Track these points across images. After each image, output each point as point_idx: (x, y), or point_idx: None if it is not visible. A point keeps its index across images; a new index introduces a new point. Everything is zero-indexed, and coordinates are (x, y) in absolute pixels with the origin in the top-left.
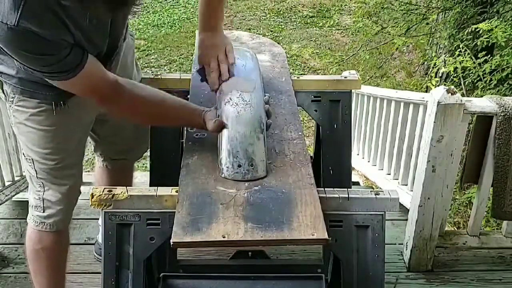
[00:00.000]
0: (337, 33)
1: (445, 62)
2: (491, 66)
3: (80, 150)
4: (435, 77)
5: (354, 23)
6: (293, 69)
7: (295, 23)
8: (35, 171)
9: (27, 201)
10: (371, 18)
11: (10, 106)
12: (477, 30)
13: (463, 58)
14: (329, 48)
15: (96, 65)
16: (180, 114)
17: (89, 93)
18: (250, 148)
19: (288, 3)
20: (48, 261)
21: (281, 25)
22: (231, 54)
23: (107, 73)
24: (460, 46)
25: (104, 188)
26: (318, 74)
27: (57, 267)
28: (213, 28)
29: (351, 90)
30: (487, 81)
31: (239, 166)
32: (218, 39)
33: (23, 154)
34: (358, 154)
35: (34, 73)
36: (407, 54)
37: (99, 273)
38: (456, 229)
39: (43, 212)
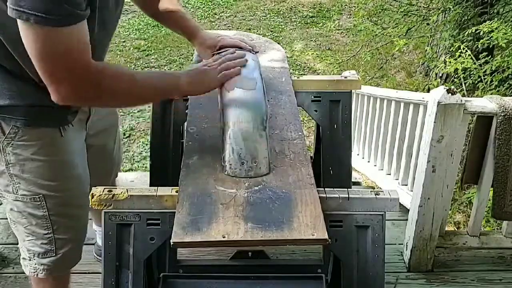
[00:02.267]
0: (337, 33)
1: (445, 63)
2: (491, 67)
3: (86, 177)
4: (436, 78)
5: (354, 26)
6: (293, 69)
7: (295, 23)
8: (47, 209)
9: None
10: (371, 19)
11: (8, 143)
12: (477, 31)
13: (464, 59)
14: (329, 48)
15: (86, 31)
16: (161, 81)
17: (70, 59)
18: (253, 145)
19: (288, 3)
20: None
21: (281, 25)
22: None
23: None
24: (461, 47)
25: (104, 188)
26: (318, 74)
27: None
28: (199, 28)
29: (351, 90)
30: (488, 82)
31: (242, 163)
32: (213, 33)
33: (25, 195)
34: (358, 154)
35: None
36: (407, 54)
37: (99, 273)
38: (456, 229)
39: (55, 255)
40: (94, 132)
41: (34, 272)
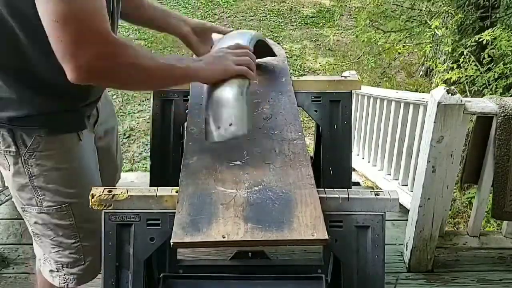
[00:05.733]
0: (338, 33)
1: (448, 68)
2: (494, 74)
3: (100, 179)
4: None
5: (355, 27)
6: (293, 70)
7: (295, 23)
8: (73, 217)
9: None
10: (372, 24)
11: (31, 155)
12: (480, 39)
13: (468, 65)
14: (329, 49)
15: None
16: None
17: (93, 23)
18: (230, 110)
19: (288, 3)
20: None
21: (281, 25)
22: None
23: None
24: (464, 53)
25: (104, 189)
26: (318, 74)
27: None
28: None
29: (351, 90)
30: (493, 89)
31: (218, 127)
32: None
33: (50, 207)
34: (358, 155)
35: None
36: (407, 55)
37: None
38: (456, 229)
39: (84, 263)
40: (100, 135)
41: (64, 283)
